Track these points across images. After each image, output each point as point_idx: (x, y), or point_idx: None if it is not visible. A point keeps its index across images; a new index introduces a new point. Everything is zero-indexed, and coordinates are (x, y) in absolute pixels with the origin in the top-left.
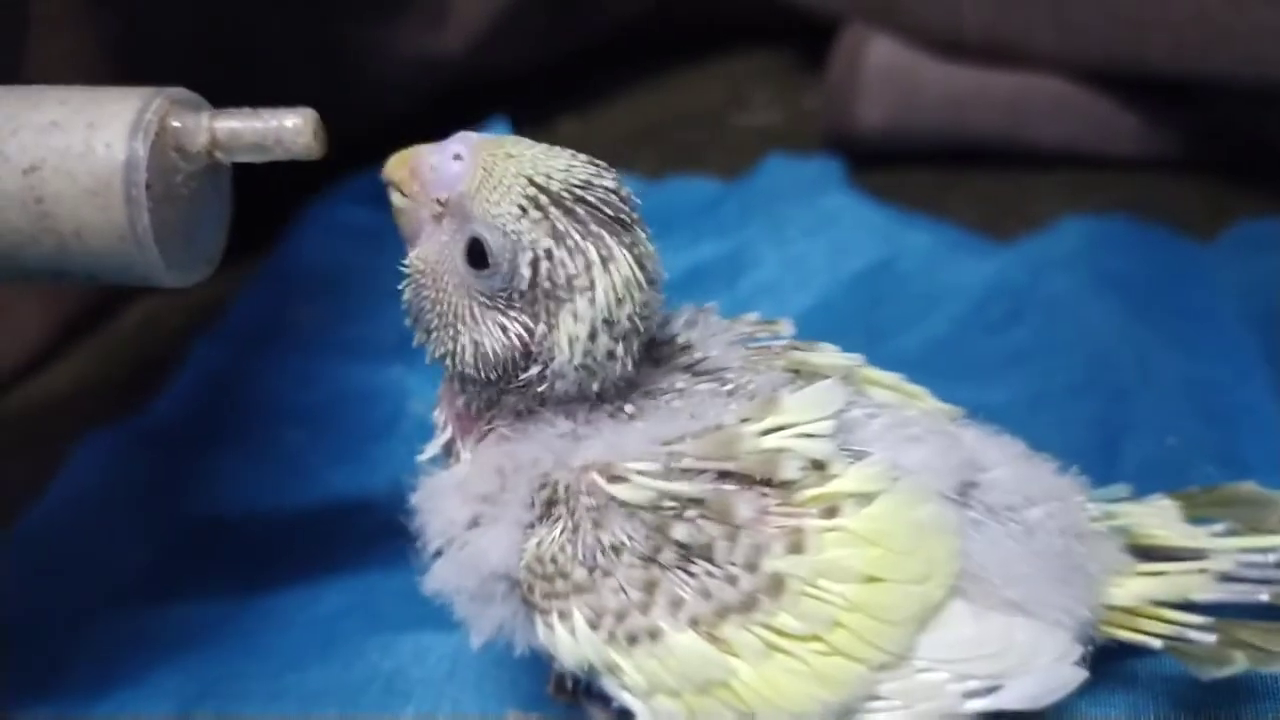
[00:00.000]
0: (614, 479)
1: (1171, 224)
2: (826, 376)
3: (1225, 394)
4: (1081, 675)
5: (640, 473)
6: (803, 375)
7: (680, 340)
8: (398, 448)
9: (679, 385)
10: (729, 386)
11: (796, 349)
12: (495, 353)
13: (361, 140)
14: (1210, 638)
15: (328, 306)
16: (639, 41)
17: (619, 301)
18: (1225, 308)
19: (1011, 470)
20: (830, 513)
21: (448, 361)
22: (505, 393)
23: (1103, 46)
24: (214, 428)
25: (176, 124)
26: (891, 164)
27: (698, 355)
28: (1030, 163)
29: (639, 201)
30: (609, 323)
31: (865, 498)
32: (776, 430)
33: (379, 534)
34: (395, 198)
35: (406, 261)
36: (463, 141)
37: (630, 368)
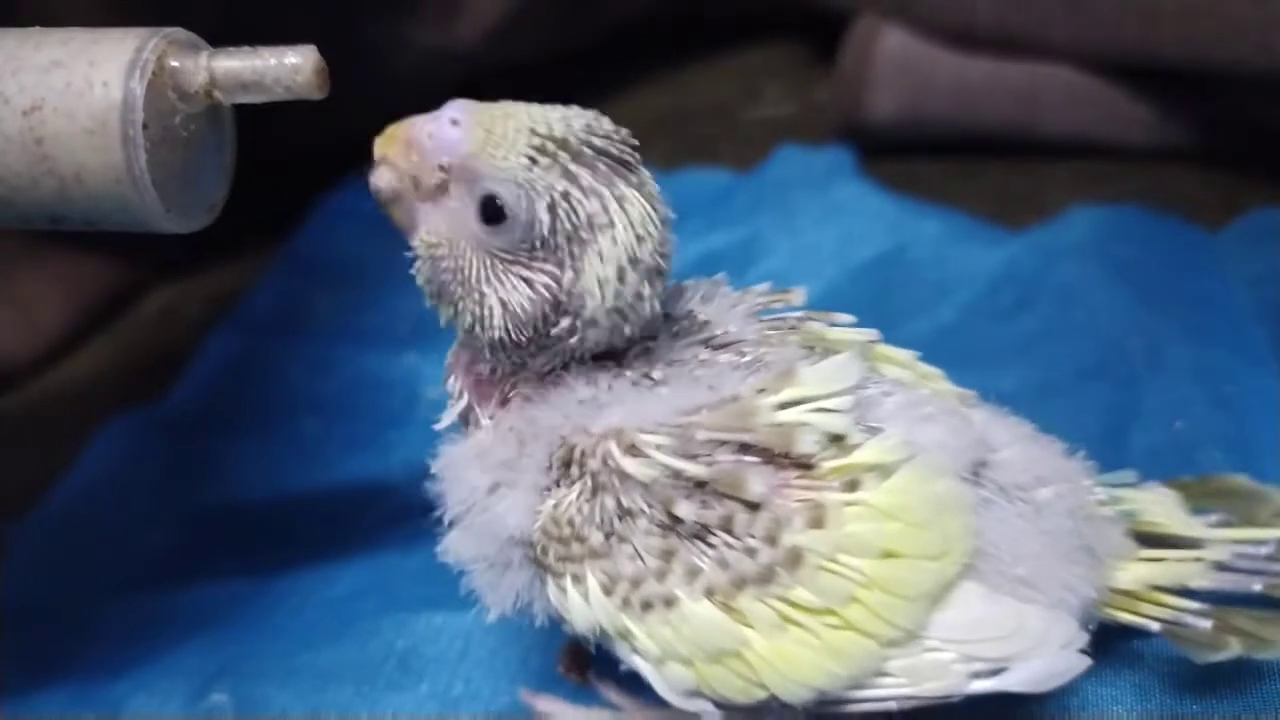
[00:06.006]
0: (629, 450)
1: (1183, 213)
2: (841, 351)
3: (1234, 381)
4: (1086, 662)
5: (657, 446)
6: (818, 350)
7: (698, 314)
8: (412, 434)
9: (701, 357)
10: (747, 358)
11: (813, 319)
12: (524, 309)
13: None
14: (1206, 624)
15: (343, 296)
16: (652, 35)
17: (639, 239)
18: (1235, 296)
19: (1021, 450)
20: (851, 486)
21: (477, 329)
22: (535, 354)
23: (1115, 36)
24: (231, 415)
25: (174, 64)
26: (903, 154)
27: (716, 329)
28: (1042, 153)
29: (638, 143)
30: (634, 260)
31: (885, 470)
32: (793, 403)
33: (394, 518)
34: (384, 178)
35: (416, 242)
36: (456, 107)
37: (658, 308)
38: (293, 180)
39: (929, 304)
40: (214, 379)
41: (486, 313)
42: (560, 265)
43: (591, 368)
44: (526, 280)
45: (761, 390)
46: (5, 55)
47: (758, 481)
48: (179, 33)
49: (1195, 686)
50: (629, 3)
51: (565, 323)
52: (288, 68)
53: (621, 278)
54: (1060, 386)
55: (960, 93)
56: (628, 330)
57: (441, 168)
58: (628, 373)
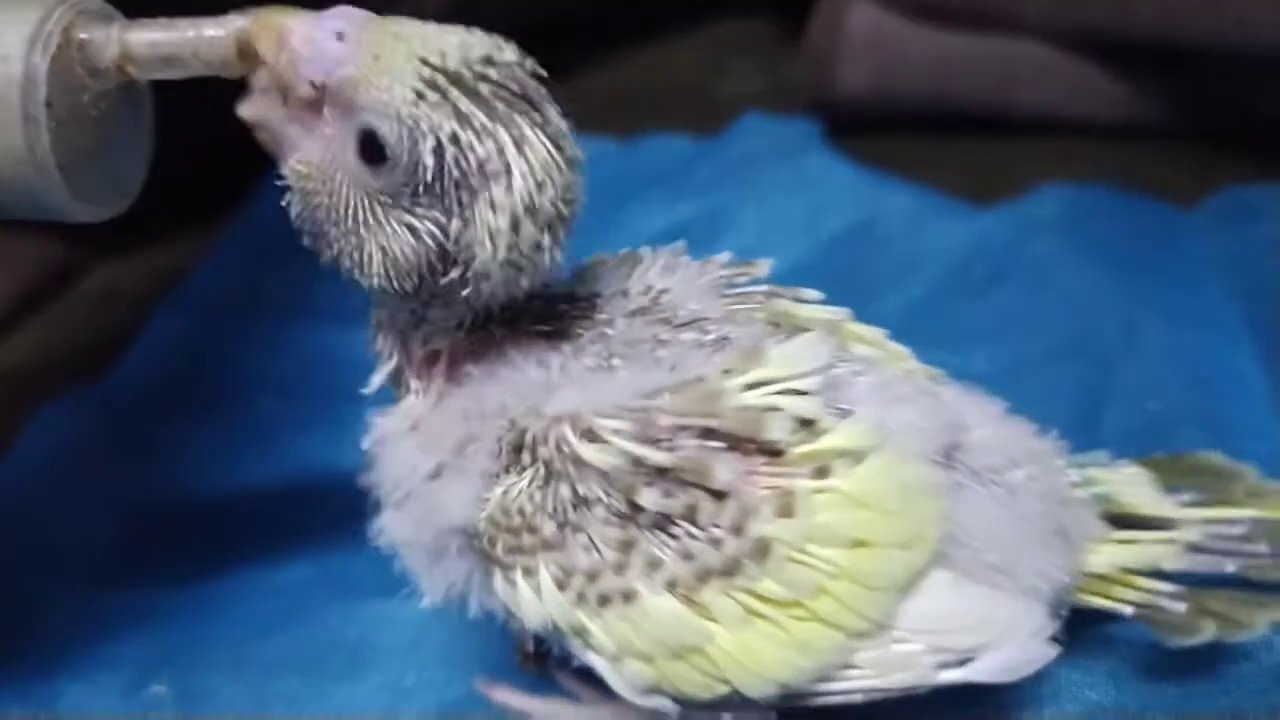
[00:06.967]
0: (586, 434)
1: (1156, 191)
2: (809, 329)
3: (1208, 360)
4: (1054, 651)
5: (615, 431)
6: (785, 327)
7: (658, 288)
8: (367, 413)
9: (662, 336)
10: (711, 337)
11: (778, 295)
12: (406, 257)
13: None
14: (1180, 606)
15: (295, 271)
16: (621, 10)
17: (539, 185)
18: (1208, 274)
19: (994, 432)
20: (821, 472)
21: (356, 275)
22: (427, 304)
23: (1089, 11)
24: (177, 396)
25: (83, 35)
26: (875, 130)
27: (677, 305)
28: (1015, 129)
29: (545, 74)
30: (531, 210)
31: (856, 455)
32: (760, 384)
33: (349, 503)
34: (251, 107)
35: (286, 170)
36: (344, 18)
37: (558, 259)
38: (240, 153)
39: (899, 279)
40: (157, 359)
41: (365, 259)
42: (447, 213)
43: (543, 348)
44: (410, 227)
45: (727, 371)
46: None
47: (725, 469)
48: (89, 1)
49: (1168, 670)
50: None
51: (454, 274)
52: (206, 40)
53: (516, 228)
54: (1032, 365)
55: (931, 68)
56: (524, 282)
57: (313, 84)
58: (584, 356)
